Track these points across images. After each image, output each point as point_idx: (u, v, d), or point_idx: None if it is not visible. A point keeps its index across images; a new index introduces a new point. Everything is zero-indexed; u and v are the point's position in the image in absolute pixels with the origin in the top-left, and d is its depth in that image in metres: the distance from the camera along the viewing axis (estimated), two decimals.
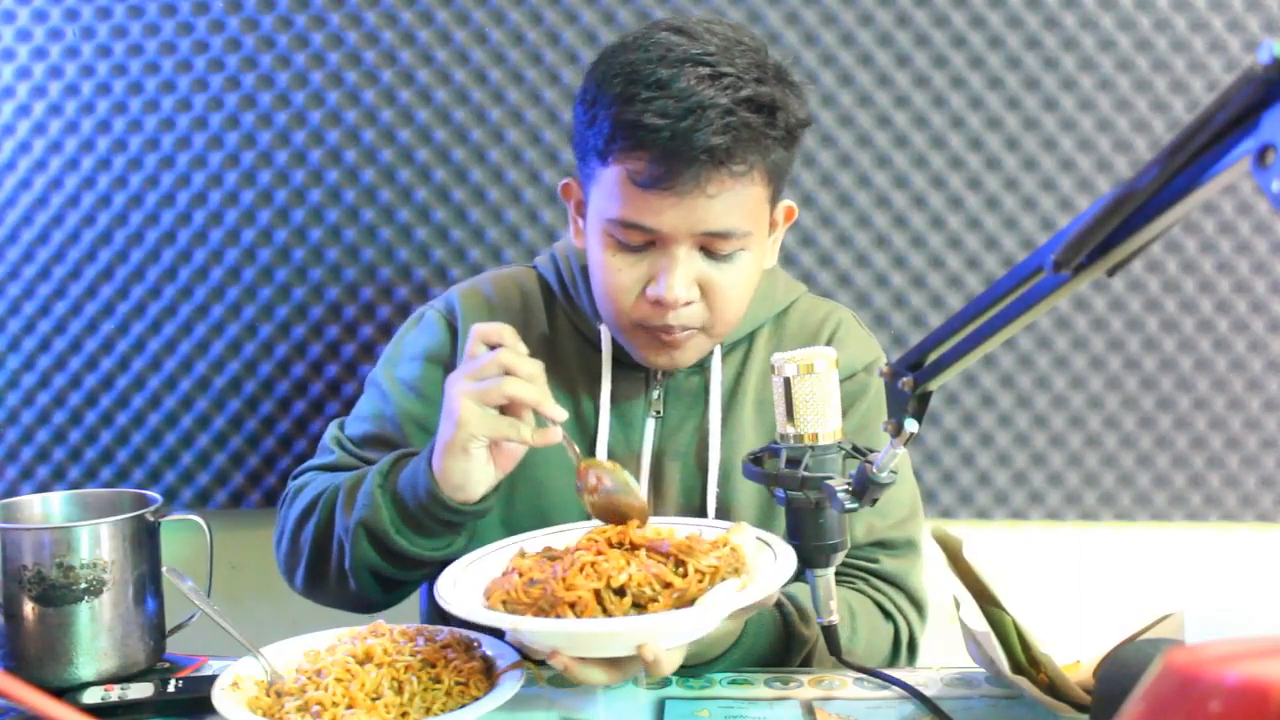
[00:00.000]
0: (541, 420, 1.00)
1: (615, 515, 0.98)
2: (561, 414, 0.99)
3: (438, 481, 0.99)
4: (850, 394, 1.17)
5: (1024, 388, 1.63)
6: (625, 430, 1.14)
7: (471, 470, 0.98)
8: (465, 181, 1.60)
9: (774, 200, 1.08)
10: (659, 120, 0.97)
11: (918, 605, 1.17)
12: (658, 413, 1.15)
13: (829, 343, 1.18)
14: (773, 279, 1.20)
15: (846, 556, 1.15)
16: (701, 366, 1.16)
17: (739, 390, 1.16)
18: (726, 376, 1.16)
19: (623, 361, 1.15)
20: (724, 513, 1.12)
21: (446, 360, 1.17)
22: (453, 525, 1.02)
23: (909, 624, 1.15)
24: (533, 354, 1.16)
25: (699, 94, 0.97)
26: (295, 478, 1.18)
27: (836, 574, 1.13)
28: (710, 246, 1.03)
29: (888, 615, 1.14)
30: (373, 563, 1.05)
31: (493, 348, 0.99)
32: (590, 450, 1.13)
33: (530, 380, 0.98)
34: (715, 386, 1.15)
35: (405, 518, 1.02)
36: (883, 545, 1.16)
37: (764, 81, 1.00)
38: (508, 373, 0.97)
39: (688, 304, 1.04)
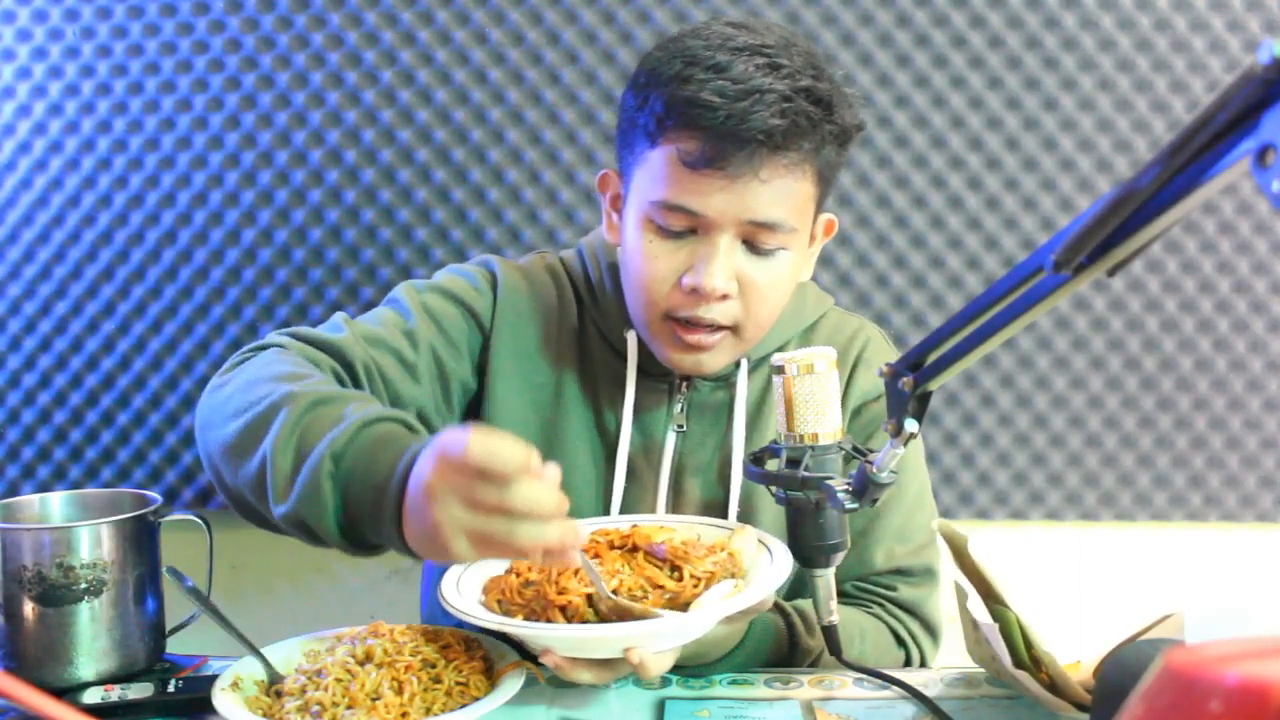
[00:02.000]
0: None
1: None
2: (582, 539, 0.80)
3: (406, 544, 0.82)
4: (879, 415, 1.15)
5: (1024, 388, 1.63)
6: (646, 442, 1.12)
7: (457, 560, 0.80)
8: (465, 181, 1.60)
9: (819, 204, 1.05)
10: (716, 99, 0.95)
11: (932, 632, 1.15)
12: (680, 426, 1.12)
13: (856, 360, 1.15)
14: (802, 292, 1.17)
15: (866, 583, 1.14)
16: (726, 381, 1.13)
17: (764, 407, 1.13)
18: (752, 392, 1.13)
19: (648, 371, 1.12)
20: None
21: (483, 322, 1.12)
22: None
23: (921, 651, 1.14)
24: (564, 351, 1.13)
25: (757, 79, 0.96)
26: (285, 335, 1.04)
27: (855, 600, 1.13)
28: (753, 239, 1.01)
29: (900, 642, 1.12)
30: (298, 534, 0.88)
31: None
32: (610, 458, 1.11)
33: (552, 516, 0.77)
34: (740, 402, 1.11)
35: (350, 535, 0.86)
36: (901, 573, 1.14)
37: (820, 79, 0.99)
38: (522, 511, 0.76)
39: (723, 297, 1.01)
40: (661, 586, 0.88)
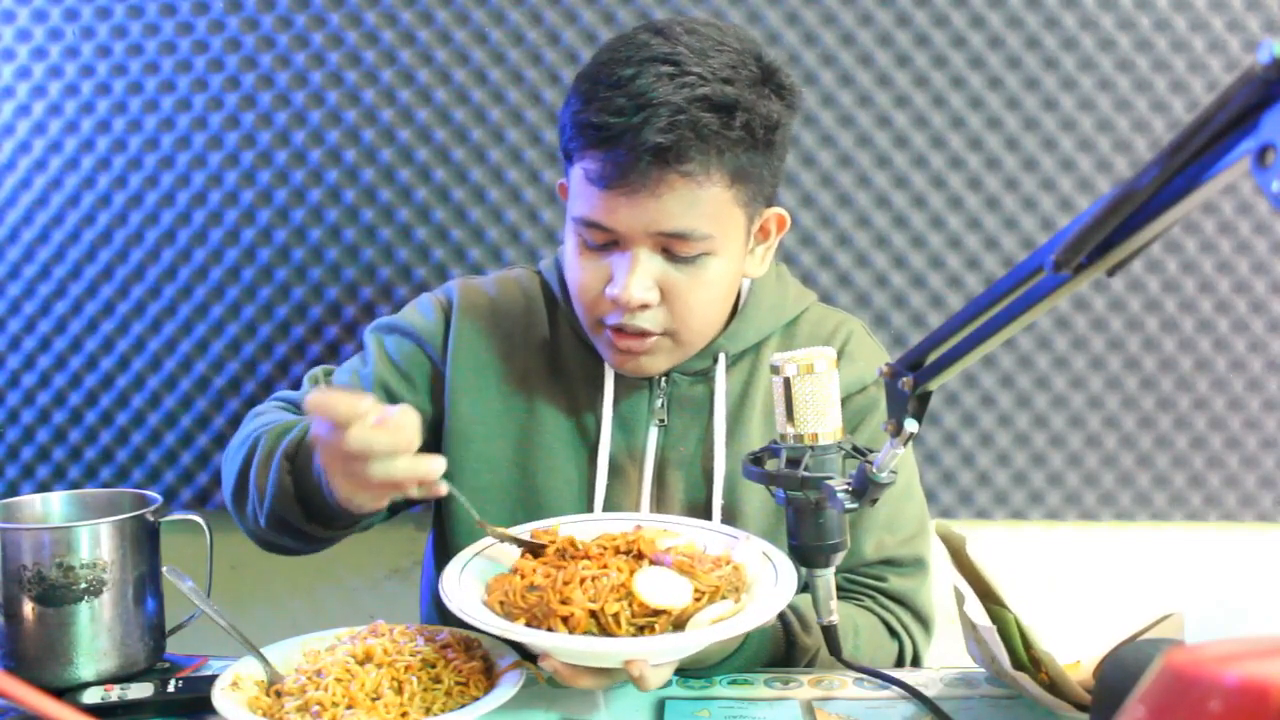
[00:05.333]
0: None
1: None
2: (437, 469, 0.90)
3: (340, 501, 0.97)
4: (862, 407, 1.16)
5: (1024, 388, 1.63)
6: (627, 437, 1.13)
7: (375, 507, 0.99)
8: (465, 181, 1.60)
9: (749, 204, 1.05)
10: (610, 119, 0.98)
11: (924, 623, 1.16)
12: (661, 420, 1.14)
13: (840, 354, 1.16)
14: (783, 287, 1.18)
15: (855, 574, 1.15)
16: (705, 376, 1.14)
17: (746, 400, 1.14)
18: (733, 386, 1.15)
19: None
20: (729, 522, 1.11)
21: (433, 347, 1.17)
22: (362, 519, 1.05)
23: (914, 642, 1.14)
24: (533, 360, 1.16)
25: (654, 92, 0.97)
26: (270, 402, 1.22)
27: (845, 592, 1.14)
28: (670, 248, 1.03)
29: (893, 634, 1.13)
30: (285, 536, 1.08)
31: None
32: (591, 457, 1.12)
33: (393, 452, 0.88)
34: (720, 395, 1.13)
35: (312, 514, 1.04)
36: (891, 563, 1.15)
37: (732, 82, 0.99)
38: (365, 455, 0.88)
39: (644, 306, 1.04)
40: (667, 612, 0.88)
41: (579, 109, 1.01)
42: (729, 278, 1.08)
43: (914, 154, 1.59)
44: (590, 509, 1.12)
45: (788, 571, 0.93)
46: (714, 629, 0.86)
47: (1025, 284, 0.70)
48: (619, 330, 1.06)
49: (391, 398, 1.15)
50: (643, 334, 1.06)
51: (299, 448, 1.03)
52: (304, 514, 1.03)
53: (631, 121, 0.96)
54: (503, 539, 0.99)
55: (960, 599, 0.95)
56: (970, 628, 0.95)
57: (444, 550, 1.19)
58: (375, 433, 0.87)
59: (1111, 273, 0.66)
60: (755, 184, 1.04)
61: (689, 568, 0.91)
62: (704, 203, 1.01)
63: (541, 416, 1.14)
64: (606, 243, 1.04)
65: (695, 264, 1.04)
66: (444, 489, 0.93)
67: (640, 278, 1.02)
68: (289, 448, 1.03)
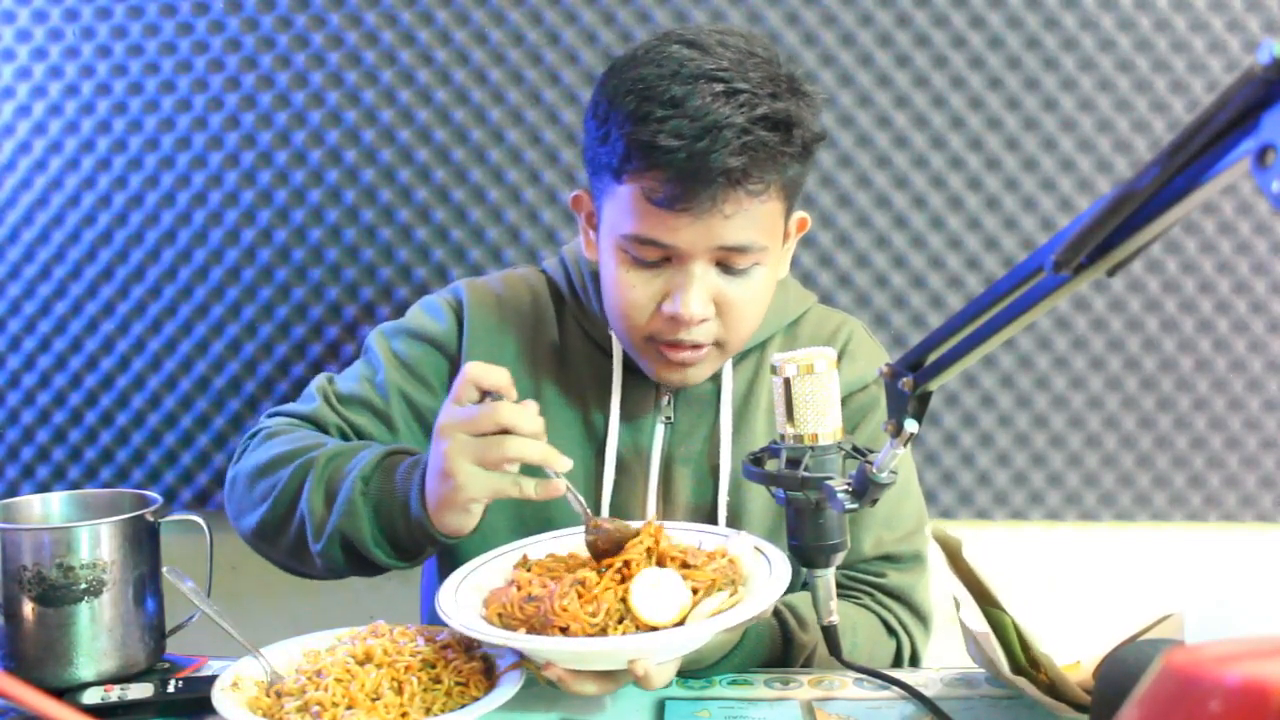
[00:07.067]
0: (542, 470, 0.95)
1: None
2: (566, 464, 0.93)
3: (431, 520, 0.96)
4: (862, 406, 1.18)
5: (1024, 388, 1.63)
6: (634, 436, 1.14)
7: (468, 521, 0.96)
8: (465, 181, 1.60)
9: (790, 213, 1.07)
10: (674, 141, 0.95)
11: (922, 619, 1.17)
12: (668, 419, 1.14)
13: (841, 353, 1.17)
14: (784, 289, 1.19)
15: (853, 571, 1.15)
16: (713, 375, 1.15)
17: (751, 399, 1.16)
18: (738, 385, 1.16)
19: (633, 368, 1.14)
20: (734, 521, 1.12)
21: (449, 350, 1.17)
22: (436, 544, 1.01)
23: (911, 639, 1.15)
24: (542, 358, 1.16)
25: (714, 112, 0.95)
26: (270, 417, 1.16)
27: (843, 589, 1.14)
28: (727, 261, 1.02)
29: (891, 631, 1.14)
30: (339, 560, 1.03)
31: (484, 393, 0.94)
32: (599, 454, 1.13)
33: (534, 438, 0.92)
34: (726, 394, 1.14)
35: (386, 534, 1.01)
36: (889, 559, 1.16)
37: (779, 96, 0.98)
38: (507, 430, 0.91)
39: (703, 321, 1.04)
40: None
41: (633, 129, 0.97)
42: (771, 285, 1.09)
43: (914, 154, 1.59)
44: (598, 507, 1.12)
45: (780, 561, 0.93)
46: (715, 620, 0.86)
47: (1025, 284, 0.70)
48: (672, 344, 1.05)
49: (409, 404, 1.15)
50: (696, 346, 1.05)
51: (375, 470, 1.00)
52: (380, 534, 1.00)
53: (699, 145, 0.95)
54: (613, 532, 0.95)
55: (957, 605, 0.95)
56: (969, 634, 0.95)
57: (448, 558, 1.18)
58: (526, 411, 0.91)
59: (1111, 273, 0.65)
60: (795, 193, 1.06)
61: (683, 564, 0.91)
62: (763, 218, 1.01)
63: (550, 413, 1.14)
64: (658, 259, 1.03)
65: (746, 275, 1.04)
66: (563, 487, 0.93)
67: (698, 293, 1.02)
68: (365, 469, 1.00)
